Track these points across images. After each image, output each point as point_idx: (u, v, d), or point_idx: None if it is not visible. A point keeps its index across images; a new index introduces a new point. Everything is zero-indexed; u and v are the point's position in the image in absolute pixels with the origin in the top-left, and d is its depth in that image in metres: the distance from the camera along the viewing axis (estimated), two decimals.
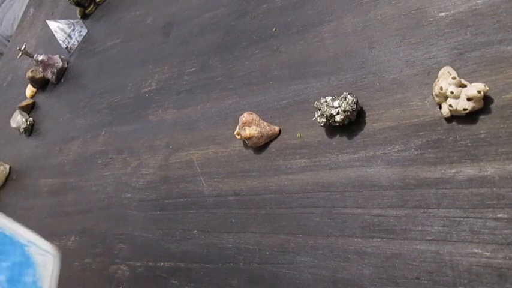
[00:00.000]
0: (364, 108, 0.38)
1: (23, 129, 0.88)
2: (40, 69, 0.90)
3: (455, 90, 0.31)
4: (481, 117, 0.31)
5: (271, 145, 0.44)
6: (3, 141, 0.98)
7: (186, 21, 0.67)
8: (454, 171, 0.31)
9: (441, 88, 0.32)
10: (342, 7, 0.46)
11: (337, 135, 0.39)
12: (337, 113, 0.37)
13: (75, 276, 0.56)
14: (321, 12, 0.47)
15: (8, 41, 1.55)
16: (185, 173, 0.51)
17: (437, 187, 0.31)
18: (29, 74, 0.92)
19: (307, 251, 0.36)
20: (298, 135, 0.42)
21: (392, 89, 0.37)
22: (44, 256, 0.41)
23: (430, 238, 0.30)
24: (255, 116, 0.44)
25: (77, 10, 0.98)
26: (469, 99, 0.31)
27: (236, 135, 0.46)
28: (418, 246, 0.30)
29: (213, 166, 0.48)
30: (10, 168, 0.87)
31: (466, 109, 0.31)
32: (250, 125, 0.43)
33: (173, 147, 0.55)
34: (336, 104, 0.37)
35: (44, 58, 0.88)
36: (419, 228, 0.31)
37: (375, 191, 0.34)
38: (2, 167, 0.86)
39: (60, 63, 0.90)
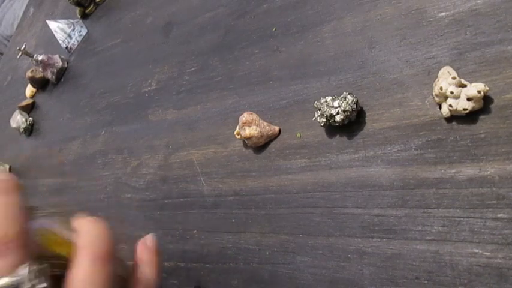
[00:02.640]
0: (364, 108, 0.38)
1: (22, 129, 0.88)
2: (40, 69, 0.90)
3: (455, 90, 0.31)
4: (481, 117, 0.31)
5: (271, 145, 0.44)
6: (3, 141, 0.98)
7: (186, 21, 0.67)
8: (454, 171, 0.31)
9: (441, 88, 0.32)
10: (342, 7, 0.46)
11: (337, 135, 0.39)
12: (337, 113, 0.37)
13: None
14: (321, 12, 0.47)
15: (8, 40, 1.55)
16: (185, 173, 0.51)
17: (437, 187, 0.31)
18: (28, 74, 0.92)
19: (307, 251, 0.36)
20: (298, 135, 0.42)
21: (392, 89, 0.37)
22: None
23: (430, 238, 0.30)
24: (255, 116, 0.44)
25: (77, 10, 0.98)
26: (469, 99, 0.31)
27: (236, 135, 0.46)
28: (418, 246, 0.30)
29: (213, 166, 0.48)
30: (10, 168, 0.87)
31: (466, 109, 0.31)
32: (250, 125, 0.43)
33: (173, 147, 0.55)
34: (336, 104, 0.37)
35: (44, 58, 0.88)
36: (419, 228, 0.31)
37: (375, 191, 0.34)
38: (2, 167, 0.86)
39: (60, 63, 0.90)
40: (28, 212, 0.21)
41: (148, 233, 0.50)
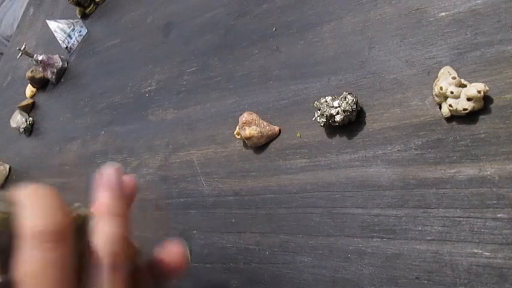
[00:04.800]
0: (364, 108, 0.38)
1: (22, 129, 0.88)
2: (40, 69, 0.90)
3: (455, 90, 0.31)
4: (481, 117, 0.31)
5: (271, 145, 0.44)
6: (3, 141, 0.98)
7: (186, 21, 0.67)
8: (454, 171, 0.31)
9: (441, 88, 0.32)
10: (342, 7, 0.46)
11: (337, 135, 0.39)
12: (337, 113, 0.37)
13: None
14: (321, 12, 0.47)
15: (8, 40, 1.55)
16: (185, 173, 0.51)
17: (437, 187, 0.31)
18: (28, 74, 0.92)
19: (307, 251, 0.36)
20: (298, 135, 0.42)
21: (392, 89, 0.37)
22: None
23: (430, 238, 0.30)
24: (255, 116, 0.44)
25: (77, 10, 0.98)
26: (469, 99, 0.31)
27: (236, 135, 0.46)
28: (418, 246, 0.30)
29: (213, 166, 0.48)
30: (10, 168, 0.87)
31: (466, 109, 0.31)
32: (250, 125, 0.43)
33: (173, 147, 0.55)
34: (336, 104, 0.37)
35: (44, 58, 0.88)
36: (419, 228, 0.31)
37: (375, 191, 0.34)
38: (1, 167, 0.86)
39: (60, 63, 0.90)
40: None
41: (148, 234, 0.50)
